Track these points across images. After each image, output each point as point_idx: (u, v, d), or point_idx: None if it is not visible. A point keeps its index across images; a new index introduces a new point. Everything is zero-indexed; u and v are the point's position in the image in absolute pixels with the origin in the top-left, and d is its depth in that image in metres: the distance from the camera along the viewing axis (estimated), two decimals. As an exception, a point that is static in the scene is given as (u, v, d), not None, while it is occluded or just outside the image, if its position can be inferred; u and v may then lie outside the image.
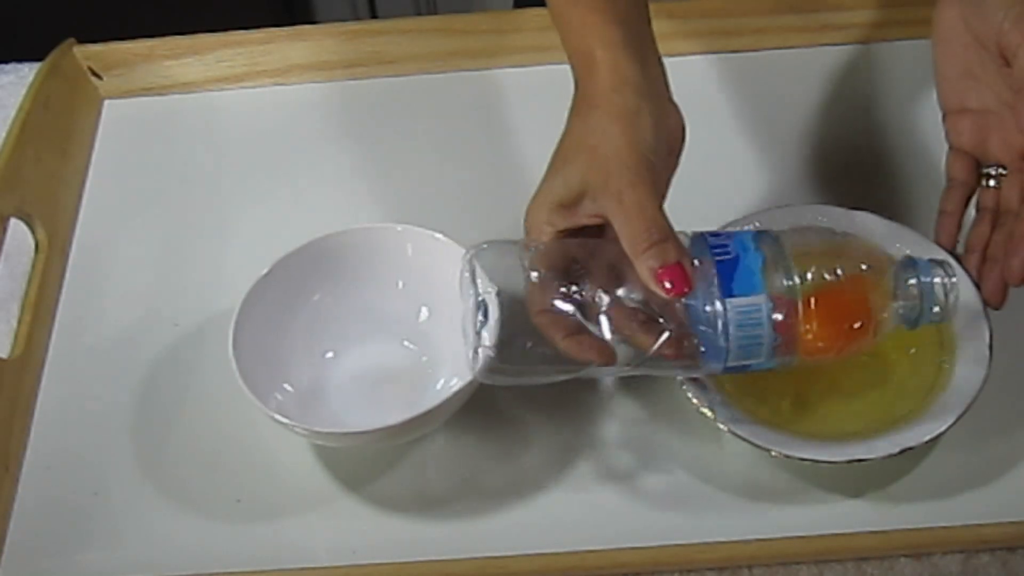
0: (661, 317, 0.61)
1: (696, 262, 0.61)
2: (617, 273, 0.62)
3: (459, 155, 0.87)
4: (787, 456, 0.65)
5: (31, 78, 0.85)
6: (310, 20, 1.46)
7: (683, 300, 0.61)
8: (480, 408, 0.71)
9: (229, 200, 0.85)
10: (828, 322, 0.63)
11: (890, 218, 0.74)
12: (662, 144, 0.64)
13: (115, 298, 0.80)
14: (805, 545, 0.66)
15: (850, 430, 0.67)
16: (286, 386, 0.70)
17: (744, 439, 0.65)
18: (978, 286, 0.70)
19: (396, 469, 0.71)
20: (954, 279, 0.64)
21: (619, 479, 0.69)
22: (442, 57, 0.91)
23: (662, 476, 0.69)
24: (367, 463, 0.71)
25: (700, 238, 0.64)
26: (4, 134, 0.81)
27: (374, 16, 1.50)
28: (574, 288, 0.61)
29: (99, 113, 0.91)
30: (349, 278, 0.73)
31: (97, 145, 0.89)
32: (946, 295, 0.63)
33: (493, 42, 0.90)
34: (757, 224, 0.74)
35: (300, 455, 0.71)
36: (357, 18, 1.49)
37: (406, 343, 0.74)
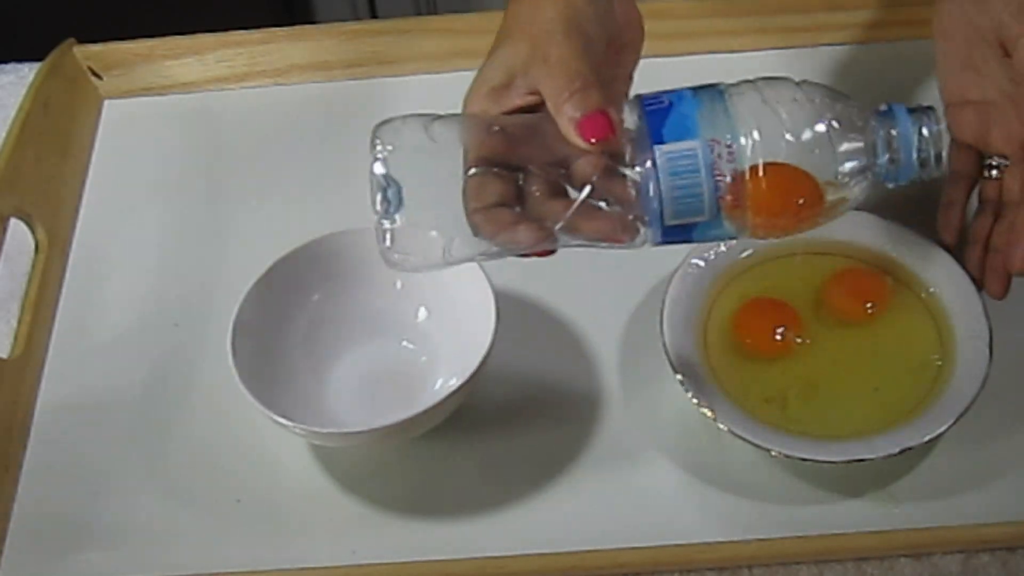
0: (593, 187, 0.56)
1: (631, 122, 0.56)
2: (550, 148, 0.57)
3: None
4: (787, 456, 0.65)
5: (31, 78, 0.85)
6: (310, 20, 1.46)
7: (613, 161, 0.55)
8: (480, 408, 0.71)
9: (229, 200, 0.85)
10: (779, 173, 0.56)
11: (890, 219, 0.74)
12: (601, 23, 0.61)
13: (115, 298, 0.80)
14: (805, 545, 0.66)
15: (850, 430, 0.67)
16: (284, 386, 0.70)
17: (744, 439, 0.65)
18: (975, 280, 0.70)
19: (396, 469, 0.71)
20: (939, 127, 0.58)
21: (619, 479, 0.69)
22: (442, 57, 0.91)
23: (662, 476, 0.69)
24: (367, 463, 0.71)
25: (636, 98, 0.58)
26: (4, 134, 0.81)
27: (374, 16, 1.50)
28: (510, 180, 0.57)
29: (99, 113, 0.91)
30: (348, 278, 0.73)
31: (97, 145, 0.89)
32: (930, 145, 0.57)
33: (493, 42, 0.90)
34: (757, 224, 0.74)
35: (300, 455, 0.71)
36: (357, 18, 1.49)
37: (405, 343, 0.74)
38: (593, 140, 0.55)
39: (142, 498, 0.71)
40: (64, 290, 0.80)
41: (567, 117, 0.56)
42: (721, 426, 0.66)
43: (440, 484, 0.70)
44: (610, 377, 0.73)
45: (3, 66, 0.92)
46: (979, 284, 0.71)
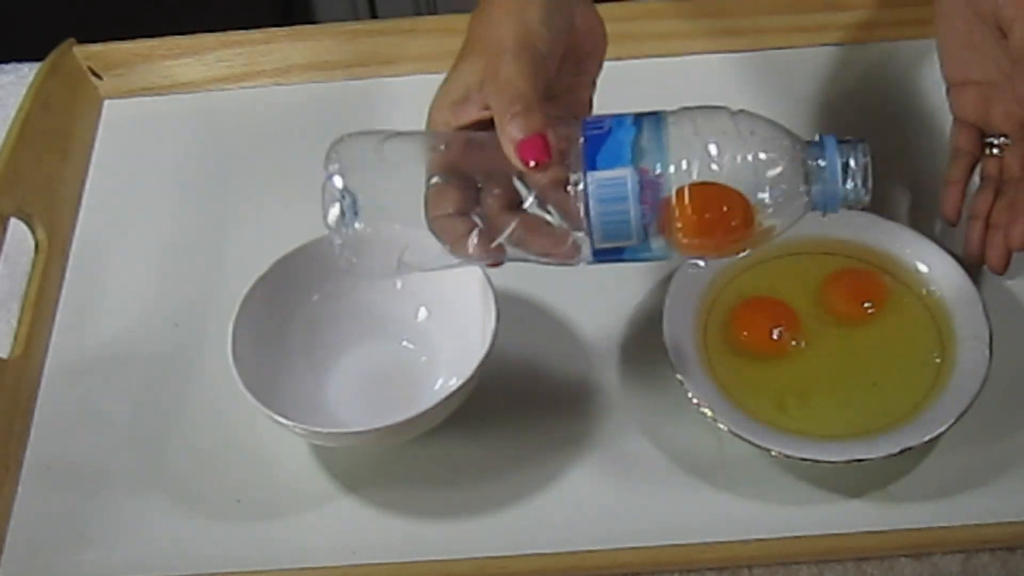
0: (538, 202, 0.58)
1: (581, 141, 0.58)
2: (504, 163, 0.58)
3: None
4: (787, 456, 0.65)
5: (31, 78, 0.85)
6: (310, 20, 1.46)
7: (561, 179, 0.57)
8: (480, 407, 0.71)
9: (229, 200, 0.85)
10: (705, 194, 0.57)
11: (890, 218, 0.74)
12: (556, 39, 0.61)
13: (115, 298, 0.80)
14: (805, 545, 0.66)
15: (850, 430, 0.67)
16: (284, 386, 0.70)
17: (744, 439, 0.65)
18: (974, 257, 0.72)
19: (396, 469, 0.71)
20: (866, 159, 0.58)
21: (619, 479, 0.69)
22: (442, 57, 0.90)
23: (662, 476, 0.69)
24: (367, 463, 0.71)
25: (580, 121, 0.59)
26: (4, 134, 0.81)
27: (374, 16, 1.50)
28: (470, 191, 0.59)
29: (99, 113, 0.91)
30: (348, 279, 0.73)
31: (97, 145, 0.89)
32: (857, 176, 0.58)
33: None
34: (757, 224, 0.74)
35: (300, 455, 0.71)
36: (357, 18, 1.49)
37: (405, 343, 0.74)
38: (531, 163, 0.57)
39: (142, 498, 0.70)
40: (64, 290, 0.80)
41: (508, 138, 0.57)
42: (721, 426, 0.66)
43: (440, 484, 0.70)
44: (610, 377, 0.73)
45: (3, 66, 0.92)
46: (979, 260, 0.73)
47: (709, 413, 0.66)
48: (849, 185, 0.58)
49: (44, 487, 0.72)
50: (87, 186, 0.87)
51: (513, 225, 0.58)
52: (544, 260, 0.59)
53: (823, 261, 0.74)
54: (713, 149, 0.56)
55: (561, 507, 0.69)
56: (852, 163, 0.58)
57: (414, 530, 0.68)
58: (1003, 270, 0.71)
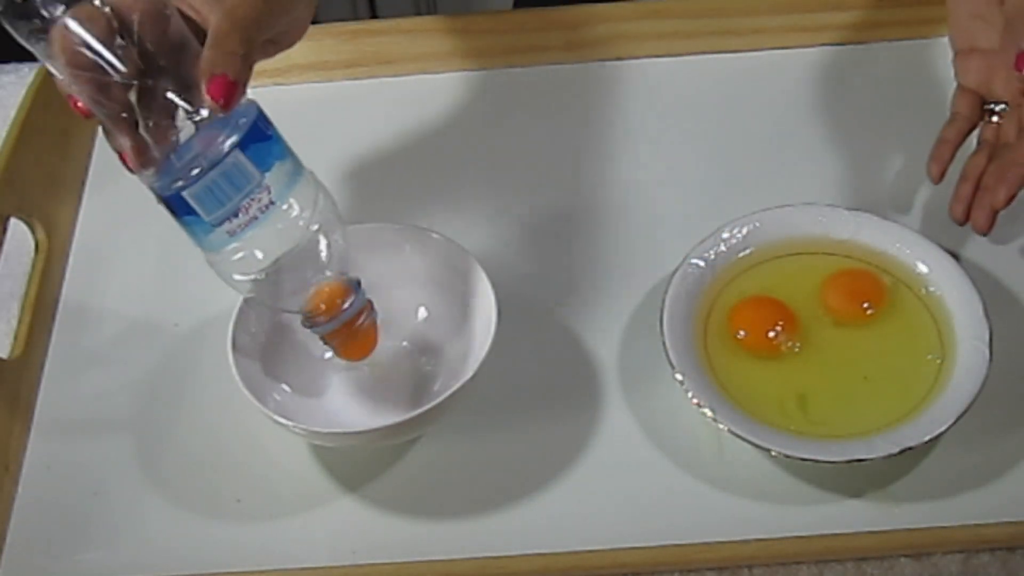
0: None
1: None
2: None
3: (458, 155, 0.87)
4: (787, 456, 0.65)
5: (31, 78, 0.85)
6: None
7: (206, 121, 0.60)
8: (480, 407, 0.71)
9: (229, 200, 0.85)
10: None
11: (890, 218, 0.74)
12: (288, 10, 0.64)
13: (115, 298, 0.80)
14: (805, 545, 0.66)
15: (850, 430, 0.67)
16: (284, 386, 0.70)
17: (744, 439, 0.65)
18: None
19: (396, 469, 0.71)
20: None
21: (619, 479, 0.69)
22: (442, 57, 0.91)
23: (662, 476, 0.69)
24: (367, 463, 0.71)
25: (255, 105, 0.62)
26: (4, 134, 0.81)
27: (374, 16, 1.50)
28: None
29: (99, 113, 0.91)
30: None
31: (97, 145, 0.89)
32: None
33: (493, 42, 0.90)
34: (757, 224, 0.74)
35: (300, 455, 0.71)
36: (357, 18, 1.49)
37: (404, 343, 0.74)
38: (212, 98, 0.58)
39: (142, 498, 0.70)
40: (64, 290, 0.80)
41: (210, 67, 0.58)
42: (721, 426, 0.66)
43: (440, 484, 0.70)
44: (610, 377, 0.73)
45: (3, 66, 0.92)
46: (963, 219, 0.73)
47: (709, 413, 0.66)
48: None
49: (44, 487, 0.72)
50: (87, 186, 0.87)
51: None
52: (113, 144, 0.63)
53: (823, 261, 0.74)
54: (303, 225, 0.62)
55: (561, 507, 0.69)
56: None
57: (414, 530, 0.68)
58: (987, 230, 0.72)
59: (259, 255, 0.62)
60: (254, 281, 0.63)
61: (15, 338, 0.75)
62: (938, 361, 0.69)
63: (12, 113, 0.82)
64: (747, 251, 0.74)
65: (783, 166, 0.84)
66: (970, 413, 0.65)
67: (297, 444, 0.71)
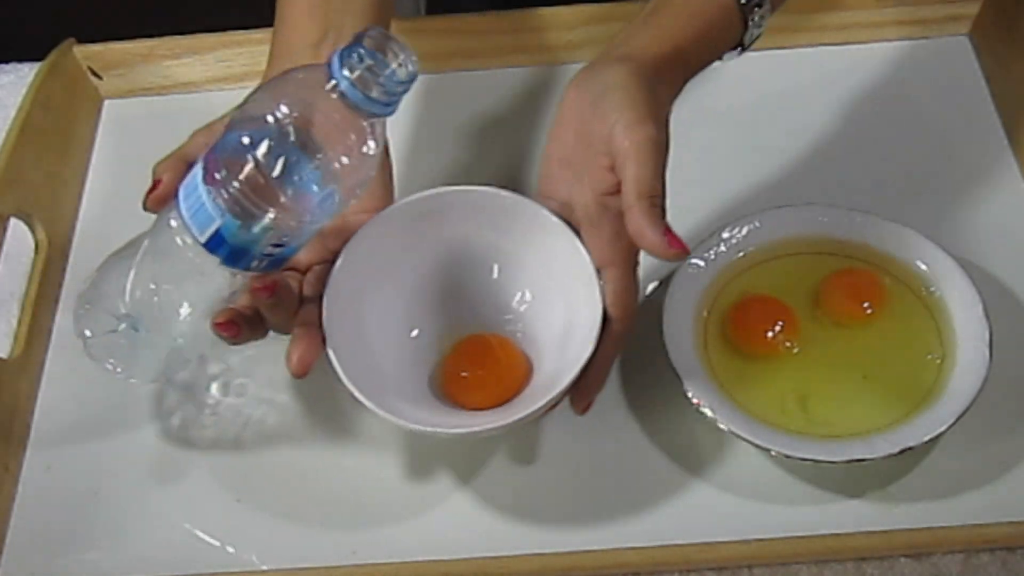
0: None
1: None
2: None
3: (458, 155, 0.87)
4: (787, 456, 0.65)
5: (31, 78, 0.85)
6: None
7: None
8: (480, 408, 0.71)
9: (229, 200, 0.85)
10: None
11: (890, 218, 0.74)
12: None
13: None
14: (805, 545, 0.66)
15: (850, 430, 0.67)
16: (376, 368, 0.66)
17: (744, 439, 0.65)
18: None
19: (395, 469, 0.71)
20: (403, 67, 0.57)
21: (619, 479, 0.69)
22: (441, 57, 0.91)
23: (662, 476, 0.69)
24: (366, 463, 0.71)
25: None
26: (4, 134, 0.81)
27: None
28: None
29: (99, 113, 0.91)
30: (442, 247, 0.69)
31: (97, 145, 0.89)
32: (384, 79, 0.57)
33: (493, 42, 0.90)
34: (757, 224, 0.74)
35: (299, 455, 0.71)
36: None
37: (496, 327, 0.69)
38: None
39: (142, 498, 0.71)
40: (64, 290, 0.80)
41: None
42: (721, 426, 0.66)
43: (440, 484, 0.70)
44: (610, 377, 0.73)
45: (3, 66, 0.92)
46: None
47: (709, 413, 0.66)
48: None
49: (44, 487, 0.72)
50: (87, 186, 0.87)
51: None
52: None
53: (823, 261, 0.74)
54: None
55: (561, 507, 0.69)
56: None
57: (414, 530, 0.68)
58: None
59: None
60: None
61: (15, 338, 0.75)
62: (938, 361, 0.69)
63: (12, 113, 0.82)
64: (747, 251, 0.74)
65: (783, 166, 0.84)
66: (970, 413, 0.65)
67: (297, 444, 0.71)
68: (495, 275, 0.70)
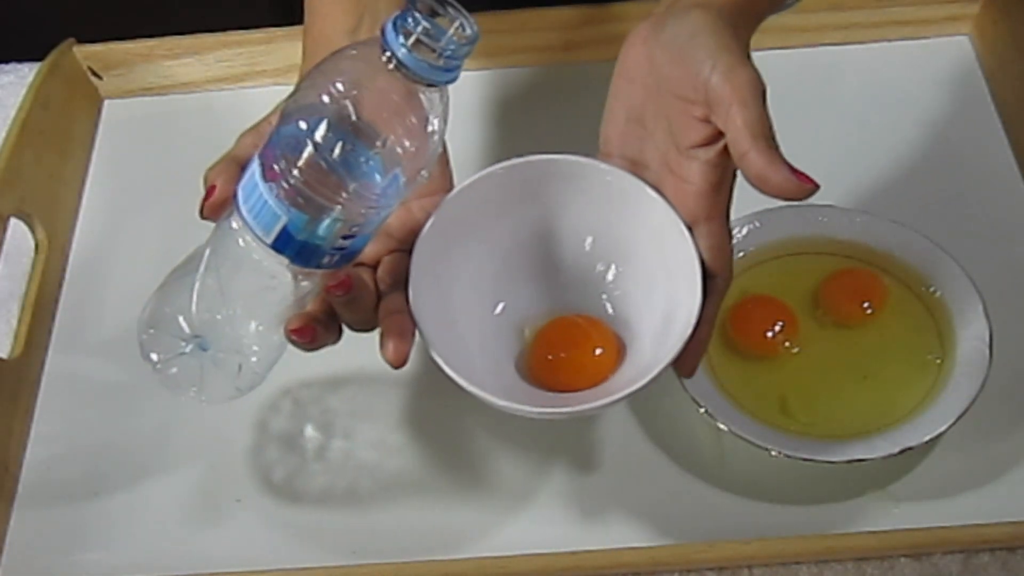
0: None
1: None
2: None
3: (457, 155, 0.86)
4: (787, 456, 0.65)
5: (31, 78, 0.85)
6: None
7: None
8: (479, 408, 0.71)
9: (229, 200, 0.85)
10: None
11: (890, 218, 0.74)
12: None
13: (115, 298, 0.80)
14: (805, 545, 0.66)
15: (850, 430, 0.67)
16: (464, 346, 0.62)
17: (744, 439, 0.65)
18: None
19: (395, 469, 0.71)
20: (464, 30, 0.55)
21: (619, 479, 0.69)
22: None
23: (662, 476, 0.69)
24: (366, 463, 0.71)
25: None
26: (4, 134, 0.81)
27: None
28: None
29: (99, 113, 0.91)
30: (534, 218, 0.65)
31: (97, 145, 0.89)
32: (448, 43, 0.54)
33: (494, 42, 0.90)
34: (757, 224, 0.74)
35: (299, 455, 0.71)
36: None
37: (601, 298, 0.65)
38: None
39: (142, 498, 0.71)
40: (64, 290, 0.80)
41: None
42: (721, 426, 0.66)
43: (440, 483, 0.70)
44: (610, 377, 0.73)
45: (3, 66, 0.92)
46: None
47: (709, 413, 0.66)
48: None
49: (44, 487, 0.72)
50: (87, 186, 0.87)
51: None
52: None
53: (823, 261, 0.74)
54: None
55: (561, 507, 0.69)
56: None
57: (414, 530, 0.68)
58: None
59: None
60: None
61: (15, 338, 0.76)
62: (938, 361, 0.69)
63: (12, 113, 0.82)
64: (747, 251, 0.74)
65: (783, 166, 0.83)
66: (970, 413, 0.65)
67: (297, 444, 0.71)
68: (587, 248, 0.65)
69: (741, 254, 0.74)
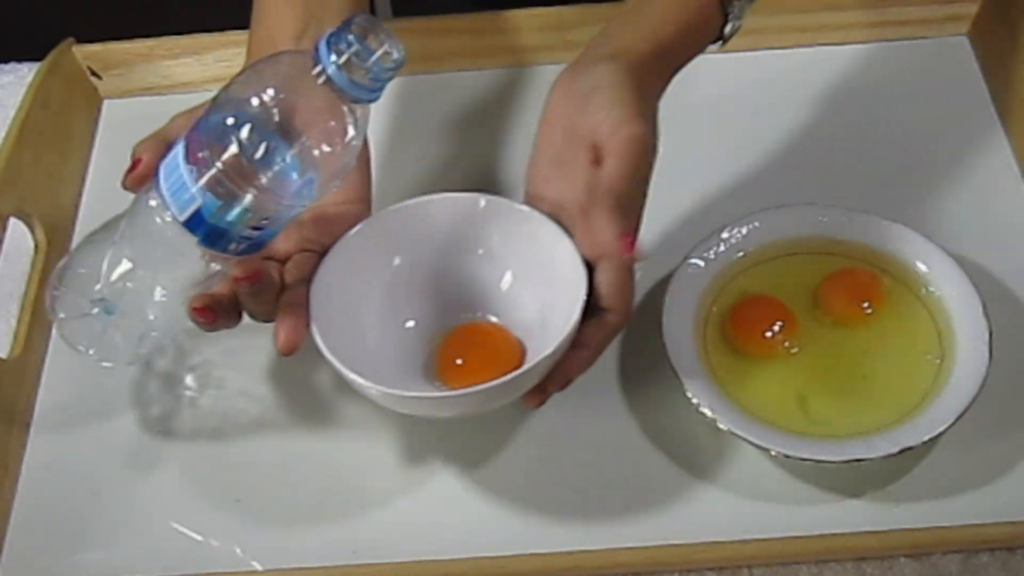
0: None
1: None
2: None
3: (457, 155, 0.87)
4: (787, 456, 0.65)
5: (30, 78, 0.85)
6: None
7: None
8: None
9: (229, 200, 0.85)
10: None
11: (889, 218, 0.74)
12: None
13: (115, 298, 0.80)
14: (805, 545, 0.66)
15: (849, 430, 0.67)
16: (363, 354, 0.66)
17: (744, 439, 0.65)
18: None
19: (395, 470, 0.71)
20: (390, 54, 0.58)
21: (618, 479, 0.69)
22: (439, 57, 0.90)
23: (662, 476, 0.69)
24: (366, 463, 0.71)
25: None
26: (3, 134, 0.81)
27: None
28: None
29: (98, 113, 0.91)
30: (430, 245, 0.70)
31: (96, 145, 0.89)
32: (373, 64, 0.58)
33: (493, 42, 0.90)
34: (757, 224, 0.74)
35: (299, 456, 0.71)
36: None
37: (487, 315, 0.71)
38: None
39: (141, 498, 0.71)
40: (63, 290, 0.80)
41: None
42: (721, 426, 0.66)
43: (440, 483, 0.70)
44: (610, 377, 0.73)
45: (2, 66, 0.92)
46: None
47: (709, 413, 0.66)
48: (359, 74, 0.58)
49: (44, 487, 0.72)
50: (86, 186, 0.87)
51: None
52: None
53: (822, 261, 0.74)
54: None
55: (560, 507, 0.69)
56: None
57: (414, 530, 0.68)
58: (539, 404, 0.65)
59: None
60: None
61: (14, 338, 0.75)
62: (937, 361, 0.69)
63: (11, 113, 0.82)
64: (747, 251, 0.74)
65: (783, 166, 0.84)
66: (970, 413, 0.65)
67: (296, 444, 0.71)
68: (486, 264, 0.70)
69: (741, 254, 0.74)
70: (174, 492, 0.71)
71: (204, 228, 0.59)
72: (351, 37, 0.57)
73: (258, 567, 0.67)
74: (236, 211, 0.59)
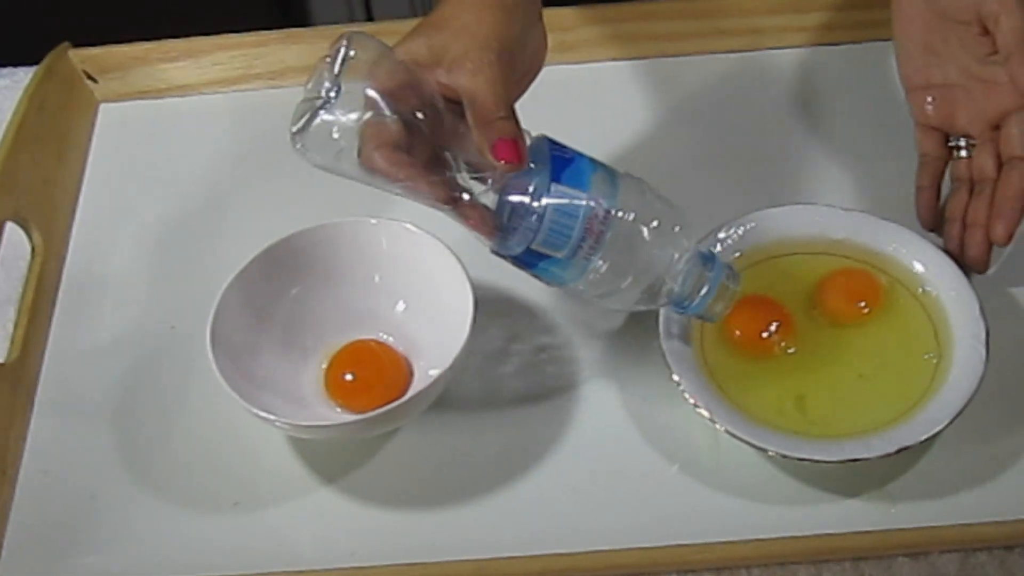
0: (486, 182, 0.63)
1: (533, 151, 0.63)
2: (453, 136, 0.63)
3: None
4: (784, 456, 0.65)
5: (26, 82, 0.85)
6: (306, 22, 1.46)
7: (511, 175, 0.62)
8: (479, 410, 0.71)
9: (224, 203, 0.85)
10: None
11: (886, 218, 0.74)
12: (524, 52, 0.65)
13: (111, 301, 0.80)
14: (803, 545, 0.66)
15: (847, 430, 0.67)
16: (265, 382, 0.70)
17: (742, 439, 0.65)
18: (954, 258, 0.72)
19: (395, 471, 0.71)
20: (735, 288, 0.66)
21: (617, 479, 0.69)
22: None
23: (660, 476, 0.69)
24: (365, 465, 0.71)
25: (544, 138, 0.65)
26: (0, 138, 0.81)
27: (370, 18, 1.50)
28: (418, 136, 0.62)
29: (94, 116, 0.91)
30: (326, 272, 0.73)
31: (93, 148, 0.89)
32: (723, 299, 0.66)
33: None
34: (754, 224, 0.74)
35: (298, 457, 0.71)
36: (353, 20, 1.49)
37: (383, 335, 0.74)
38: (504, 162, 0.61)
39: (139, 502, 0.70)
40: (60, 293, 0.80)
41: (487, 138, 0.61)
42: (718, 426, 0.66)
43: (439, 484, 0.70)
44: (607, 378, 0.73)
45: (-1, 70, 0.92)
46: (959, 261, 0.72)
47: (706, 414, 0.66)
48: (713, 306, 0.66)
49: (41, 490, 0.72)
50: (83, 189, 0.87)
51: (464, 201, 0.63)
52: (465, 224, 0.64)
53: (819, 261, 0.74)
54: (650, 215, 0.64)
55: (560, 507, 0.69)
56: (730, 284, 0.66)
57: (413, 531, 0.68)
58: (985, 268, 0.72)
59: (620, 268, 0.64)
60: (644, 292, 0.65)
61: (12, 342, 0.75)
62: (934, 360, 0.69)
63: (8, 117, 0.82)
64: (743, 251, 0.74)
65: (781, 166, 0.84)
66: (967, 412, 0.65)
67: (296, 446, 0.71)
68: (378, 288, 0.74)
69: (737, 254, 0.74)
70: (172, 496, 0.71)
71: (530, 269, 0.65)
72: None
73: (256, 569, 0.67)
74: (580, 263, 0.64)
